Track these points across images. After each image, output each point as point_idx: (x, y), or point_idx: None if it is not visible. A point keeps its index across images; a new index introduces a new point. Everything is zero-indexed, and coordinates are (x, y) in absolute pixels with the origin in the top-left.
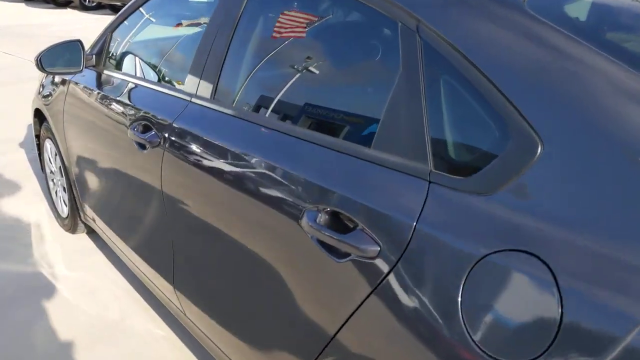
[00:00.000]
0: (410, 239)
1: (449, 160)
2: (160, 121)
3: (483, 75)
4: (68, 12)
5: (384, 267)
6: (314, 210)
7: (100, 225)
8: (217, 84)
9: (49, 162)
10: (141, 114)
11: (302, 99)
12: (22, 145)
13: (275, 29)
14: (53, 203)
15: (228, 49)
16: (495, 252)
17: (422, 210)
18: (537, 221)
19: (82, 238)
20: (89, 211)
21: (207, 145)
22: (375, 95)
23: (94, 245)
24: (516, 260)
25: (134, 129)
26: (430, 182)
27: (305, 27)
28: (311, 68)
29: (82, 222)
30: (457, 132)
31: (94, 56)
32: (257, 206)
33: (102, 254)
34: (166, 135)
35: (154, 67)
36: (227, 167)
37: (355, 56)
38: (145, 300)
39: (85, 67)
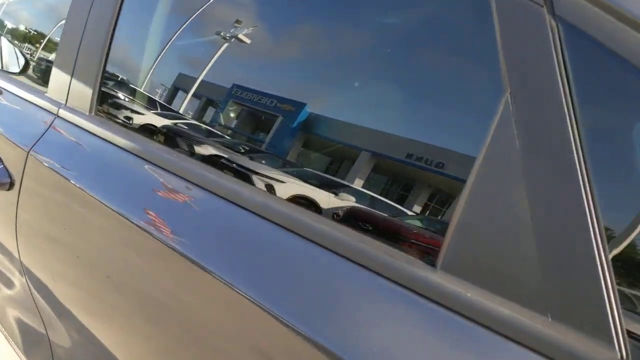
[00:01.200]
0: None
1: None
2: (11, 148)
3: None
4: None
5: None
6: None
7: None
8: (98, 88)
9: None
10: None
11: (274, 134)
12: None
13: None
14: None
15: (115, 23)
16: None
17: None
18: None
19: None
20: None
21: (80, 197)
22: (442, 147)
23: None
24: None
25: None
26: None
27: None
28: (295, 72)
29: None
30: None
31: None
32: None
33: None
34: (21, 171)
35: (7, 53)
36: (117, 240)
37: (394, 55)
38: None
39: None
